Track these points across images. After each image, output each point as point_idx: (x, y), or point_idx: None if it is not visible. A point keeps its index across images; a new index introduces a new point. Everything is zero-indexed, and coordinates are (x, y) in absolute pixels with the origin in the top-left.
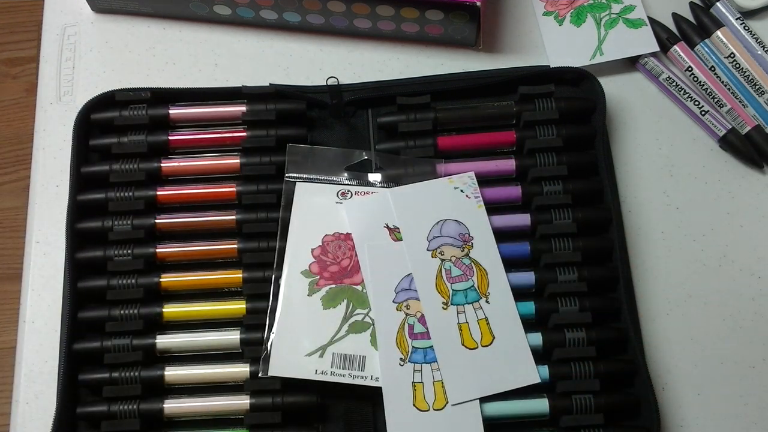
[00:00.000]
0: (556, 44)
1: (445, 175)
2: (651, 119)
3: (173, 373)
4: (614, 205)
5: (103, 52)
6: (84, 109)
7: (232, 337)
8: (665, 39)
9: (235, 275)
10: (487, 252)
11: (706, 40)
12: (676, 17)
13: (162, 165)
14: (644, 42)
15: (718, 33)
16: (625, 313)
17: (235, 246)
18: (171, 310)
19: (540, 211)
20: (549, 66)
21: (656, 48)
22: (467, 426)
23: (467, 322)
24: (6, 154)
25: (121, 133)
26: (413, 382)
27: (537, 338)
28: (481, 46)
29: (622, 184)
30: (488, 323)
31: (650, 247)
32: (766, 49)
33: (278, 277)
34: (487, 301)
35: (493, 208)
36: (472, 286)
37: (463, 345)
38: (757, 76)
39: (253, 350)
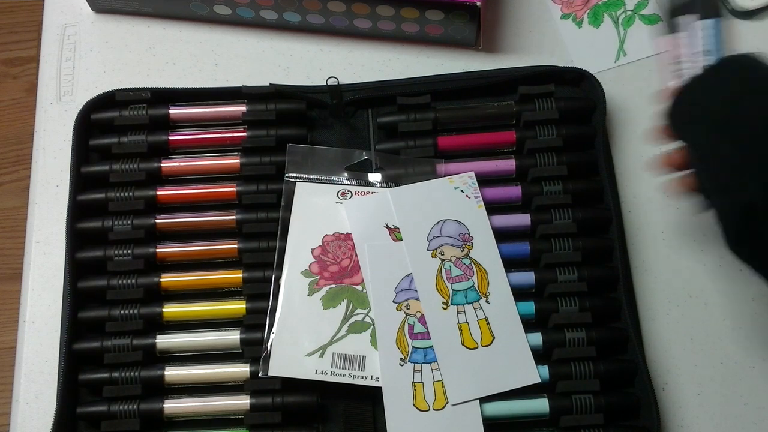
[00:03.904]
0: (579, 48)
1: (445, 175)
2: (651, 119)
3: (173, 373)
4: (614, 205)
5: (103, 52)
6: (84, 109)
7: (232, 337)
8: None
9: (235, 275)
10: (487, 252)
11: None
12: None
13: (162, 165)
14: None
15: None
16: (625, 313)
17: (235, 246)
18: (171, 310)
19: (540, 211)
20: (549, 66)
21: None
22: (467, 426)
23: (467, 322)
24: (6, 154)
25: (121, 133)
26: (413, 382)
27: (537, 338)
28: (480, 46)
29: (622, 184)
30: (488, 323)
31: (650, 247)
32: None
33: (278, 277)
34: (487, 301)
35: (493, 208)
36: (472, 286)
37: (463, 345)
38: None
39: (253, 350)
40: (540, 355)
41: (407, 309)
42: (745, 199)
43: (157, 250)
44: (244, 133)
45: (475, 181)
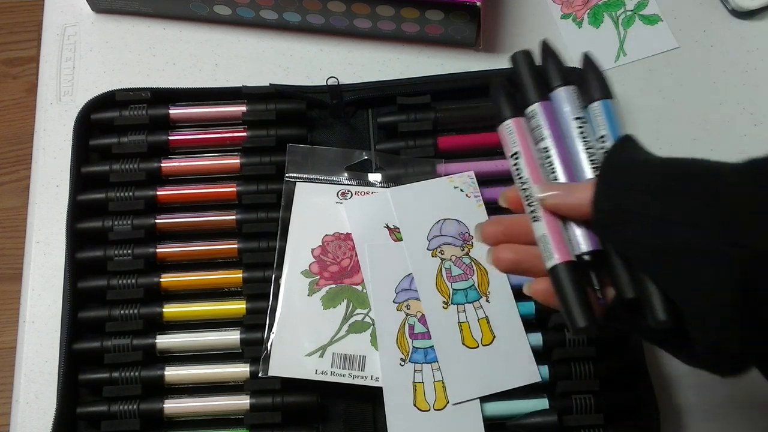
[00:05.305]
0: (579, 48)
1: (445, 175)
2: (651, 119)
3: (173, 373)
4: None
5: (103, 52)
6: (84, 109)
7: (232, 337)
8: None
9: (235, 275)
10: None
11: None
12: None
13: (162, 165)
14: (663, 39)
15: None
16: None
17: (235, 246)
18: (171, 310)
19: None
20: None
21: (675, 45)
22: (468, 426)
23: (468, 322)
24: (6, 154)
25: (121, 133)
26: (414, 382)
27: (537, 338)
28: (480, 46)
29: None
30: (489, 322)
31: None
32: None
33: (278, 277)
34: (487, 300)
35: (493, 207)
36: (473, 285)
37: (463, 344)
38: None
39: (253, 350)
40: (540, 355)
41: (407, 309)
42: (745, 256)
43: (157, 250)
44: (244, 133)
45: (475, 180)
